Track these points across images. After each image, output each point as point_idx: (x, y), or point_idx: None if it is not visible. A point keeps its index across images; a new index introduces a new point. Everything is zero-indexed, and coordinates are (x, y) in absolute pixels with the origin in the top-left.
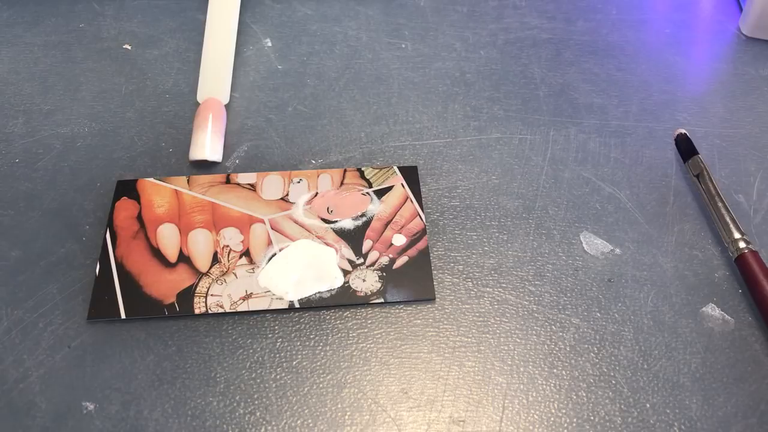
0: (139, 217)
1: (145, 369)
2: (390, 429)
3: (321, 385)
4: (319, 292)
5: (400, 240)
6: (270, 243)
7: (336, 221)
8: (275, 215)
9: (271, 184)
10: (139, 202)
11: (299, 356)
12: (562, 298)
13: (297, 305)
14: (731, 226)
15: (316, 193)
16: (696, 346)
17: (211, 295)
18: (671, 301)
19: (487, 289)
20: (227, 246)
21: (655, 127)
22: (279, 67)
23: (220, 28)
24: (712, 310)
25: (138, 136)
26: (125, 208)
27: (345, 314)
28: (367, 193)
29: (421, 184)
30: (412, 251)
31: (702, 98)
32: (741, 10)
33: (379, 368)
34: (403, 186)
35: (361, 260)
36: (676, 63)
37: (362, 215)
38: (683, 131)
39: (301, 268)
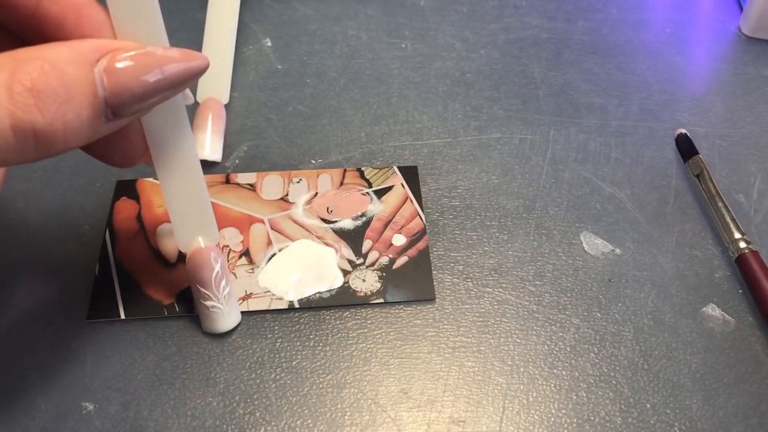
0: (139, 217)
1: (145, 369)
2: (390, 429)
3: (321, 386)
4: (319, 292)
5: (400, 240)
6: (270, 243)
7: (336, 221)
8: (275, 215)
9: (271, 184)
10: (138, 202)
11: (299, 356)
12: (562, 298)
13: (297, 305)
14: (731, 226)
15: (316, 193)
16: (696, 346)
17: None
18: (671, 301)
19: (487, 289)
20: (227, 246)
21: (656, 127)
22: (279, 66)
23: (219, 28)
24: (712, 310)
25: None
26: (125, 208)
27: (345, 314)
28: (367, 193)
29: (421, 184)
30: (412, 251)
31: (702, 98)
32: (741, 9)
33: (379, 368)
34: (403, 186)
35: (361, 260)
36: (676, 63)
37: (362, 215)
38: (683, 131)
39: (301, 268)
